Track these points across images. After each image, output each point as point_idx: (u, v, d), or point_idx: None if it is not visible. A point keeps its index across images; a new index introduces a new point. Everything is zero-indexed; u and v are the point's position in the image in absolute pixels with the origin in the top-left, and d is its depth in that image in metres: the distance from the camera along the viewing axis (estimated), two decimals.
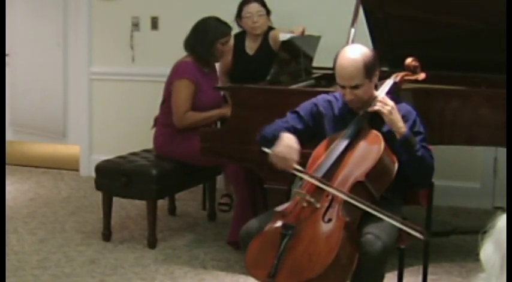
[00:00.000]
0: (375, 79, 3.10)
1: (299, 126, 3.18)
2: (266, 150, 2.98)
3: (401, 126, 2.99)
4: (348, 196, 2.82)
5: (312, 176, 2.92)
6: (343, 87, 3.06)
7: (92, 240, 4.36)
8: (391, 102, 3.02)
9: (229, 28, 4.46)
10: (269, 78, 4.02)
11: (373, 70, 3.05)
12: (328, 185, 2.86)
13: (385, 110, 2.99)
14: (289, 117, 3.22)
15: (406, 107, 3.15)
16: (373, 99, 3.08)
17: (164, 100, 4.48)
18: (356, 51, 3.05)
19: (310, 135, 3.18)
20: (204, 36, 4.35)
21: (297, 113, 3.23)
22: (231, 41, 4.69)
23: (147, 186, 4.21)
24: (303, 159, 3.03)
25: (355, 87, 3.03)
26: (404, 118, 3.07)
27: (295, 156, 2.94)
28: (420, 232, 2.78)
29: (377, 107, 3.00)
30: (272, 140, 3.01)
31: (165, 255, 4.14)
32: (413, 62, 3.35)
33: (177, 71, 4.37)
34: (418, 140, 3.03)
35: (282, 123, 3.18)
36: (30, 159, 6.24)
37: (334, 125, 3.15)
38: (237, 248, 4.07)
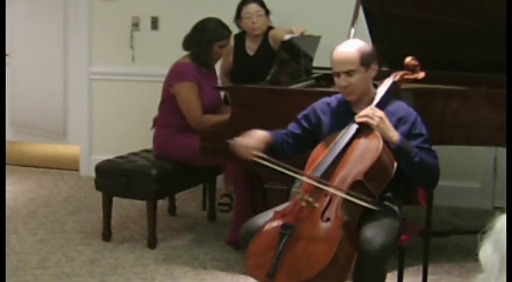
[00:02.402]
0: (371, 72, 3.10)
1: (297, 131, 3.22)
2: (229, 141, 3.02)
3: (393, 135, 2.96)
4: (327, 185, 2.85)
5: (277, 164, 2.91)
6: (338, 74, 3.07)
7: (92, 240, 4.36)
8: (379, 113, 2.99)
9: (229, 32, 4.44)
10: (269, 78, 4.02)
11: (369, 60, 3.08)
12: (301, 174, 2.91)
13: (374, 121, 2.97)
14: (290, 125, 3.26)
15: (405, 108, 3.13)
16: (369, 97, 3.08)
17: (163, 101, 4.48)
18: (353, 41, 3.18)
19: (310, 139, 3.19)
20: (201, 35, 4.35)
21: (296, 119, 3.26)
22: (231, 43, 4.68)
23: (147, 186, 4.21)
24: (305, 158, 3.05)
25: (349, 73, 3.04)
26: (403, 120, 3.06)
27: (255, 143, 2.99)
28: (368, 202, 2.82)
29: (363, 119, 3.00)
30: None
31: (165, 255, 4.14)
32: (412, 61, 3.34)
33: (177, 73, 4.36)
34: (420, 142, 3.01)
35: (281, 129, 3.23)
36: (30, 159, 6.24)
37: (333, 125, 3.16)
38: (237, 248, 4.07)
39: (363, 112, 3.01)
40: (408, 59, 3.35)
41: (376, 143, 2.95)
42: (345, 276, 2.77)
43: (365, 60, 3.06)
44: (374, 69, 3.12)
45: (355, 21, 4.09)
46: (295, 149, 3.21)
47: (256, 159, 2.97)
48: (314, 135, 3.19)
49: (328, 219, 2.79)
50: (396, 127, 3.02)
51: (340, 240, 2.70)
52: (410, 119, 3.07)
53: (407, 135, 3.02)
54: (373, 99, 3.12)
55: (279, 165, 2.91)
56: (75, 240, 4.37)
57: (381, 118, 2.97)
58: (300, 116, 3.25)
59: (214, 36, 4.35)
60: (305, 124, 3.22)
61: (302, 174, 2.92)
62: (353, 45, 3.10)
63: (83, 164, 5.97)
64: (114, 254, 4.16)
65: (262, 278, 2.73)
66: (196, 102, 4.29)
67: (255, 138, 3.04)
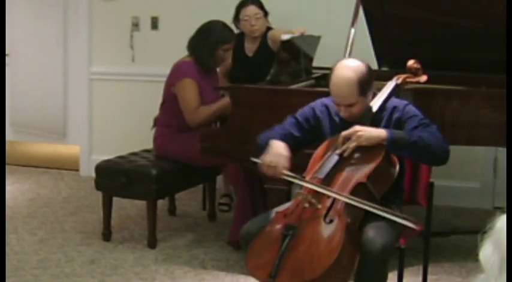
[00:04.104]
0: (370, 93, 3.10)
1: (296, 133, 3.19)
2: (255, 160, 3.00)
3: (379, 133, 2.95)
4: (340, 195, 2.84)
5: (304, 180, 2.93)
6: (338, 104, 3.07)
7: (92, 240, 4.36)
8: (352, 129, 2.96)
9: (233, 35, 4.43)
10: (269, 78, 4.02)
11: (367, 86, 3.04)
12: (322, 188, 2.88)
13: (354, 142, 2.95)
14: (288, 121, 3.23)
15: (397, 100, 3.16)
16: (368, 111, 3.08)
17: (164, 101, 4.48)
18: (350, 69, 3.02)
19: (309, 140, 3.19)
20: (207, 38, 4.33)
21: (295, 118, 3.23)
22: None
23: (147, 186, 4.21)
24: (305, 159, 3.04)
25: (350, 105, 3.03)
26: (396, 108, 3.09)
27: (283, 163, 2.96)
28: (414, 223, 2.83)
29: (344, 148, 2.97)
30: (265, 149, 3.04)
31: (165, 255, 4.14)
32: (415, 64, 3.35)
33: (178, 72, 4.36)
34: (417, 121, 3.02)
35: (279, 130, 3.18)
36: (30, 159, 6.24)
37: (332, 128, 3.16)
38: (237, 248, 4.07)
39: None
40: (410, 62, 3.34)
41: (379, 145, 2.95)
42: (348, 277, 2.77)
43: (364, 89, 3.02)
44: (372, 88, 3.10)
45: (355, 21, 4.09)
46: (295, 150, 3.18)
47: (285, 178, 2.95)
48: (313, 136, 3.18)
49: (331, 221, 2.79)
50: (391, 114, 3.06)
51: (343, 242, 2.70)
52: (401, 107, 3.09)
53: (401, 121, 3.05)
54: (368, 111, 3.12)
55: (304, 181, 2.93)
56: (75, 240, 4.37)
57: (356, 131, 2.96)
58: (299, 116, 3.23)
59: (220, 39, 4.33)
60: (306, 126, 3.20)
61: (328, 190, 2.87)
62: (352, 77, 2.99)
63: (83, 164, 5.97)
64: (114, 254, 4.16)
65: (263, 279, 2.73)
66: (194, 96, 4.26)
67: (282, 156, 2.98)
